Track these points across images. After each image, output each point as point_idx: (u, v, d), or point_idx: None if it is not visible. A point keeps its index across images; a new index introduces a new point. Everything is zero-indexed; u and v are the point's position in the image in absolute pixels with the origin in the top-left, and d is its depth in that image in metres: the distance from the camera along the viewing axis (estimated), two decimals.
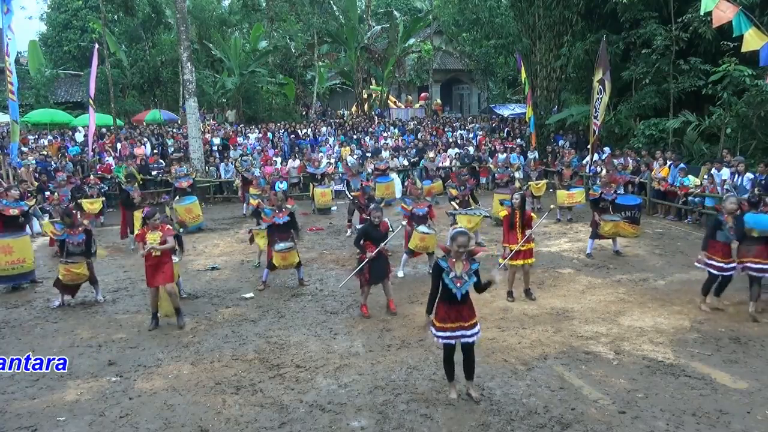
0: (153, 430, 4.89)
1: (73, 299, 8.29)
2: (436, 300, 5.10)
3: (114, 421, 5.05)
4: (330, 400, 5.29)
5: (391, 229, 7.88)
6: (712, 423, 4.75)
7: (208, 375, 5.88)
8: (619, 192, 10.69)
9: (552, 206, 11.67)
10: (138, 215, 11.63)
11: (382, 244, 7.34)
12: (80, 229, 8.18)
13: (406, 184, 16.44)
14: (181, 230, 8.63)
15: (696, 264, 7.49)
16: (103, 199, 15.04)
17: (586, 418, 4.86)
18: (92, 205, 14.25)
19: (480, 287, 5.12)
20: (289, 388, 5.54)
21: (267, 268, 8.79)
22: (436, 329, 5.10)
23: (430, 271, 9.27)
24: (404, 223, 9.29)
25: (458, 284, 4.97)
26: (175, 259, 8.08)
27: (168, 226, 7.33)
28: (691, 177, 13.03)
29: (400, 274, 9.21)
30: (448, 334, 5.05)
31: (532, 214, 8.02)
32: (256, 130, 23.65)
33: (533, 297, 7.89)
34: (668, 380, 5.50)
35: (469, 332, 5.06)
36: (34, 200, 12.09)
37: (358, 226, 10.32)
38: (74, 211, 8.59)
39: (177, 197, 14.00)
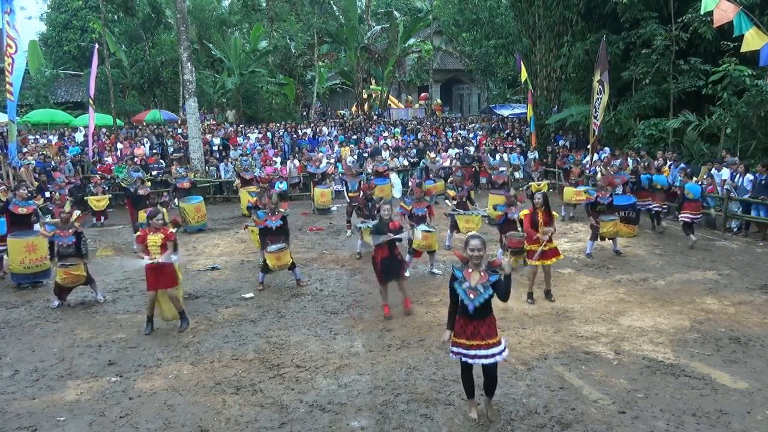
0: (153, 430, 4.89)
1: (63, 303, 8.24)
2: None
3: (114, 421, 5.05)
4: (330, 400, 5.28)
5: (406, 228, 7.86)
6: (712, 423, 4.75)
7: (208, 375, 5.88)
8: (616, 193, 10.71)
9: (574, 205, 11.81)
10: (143, 214, 11.74)
11: (384, 238, 7.25)
12: (71, 231, 8.16)
13: (410, 183, 16.46)
14: (175, 230, 8.61)
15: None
16: (110, 196, 15.16)
17: (586, 418, 4.86)
18: (99, 202, 14.45)
19: (502, 292, 4.55)
20: (289, 388, 5.53)
21: (261, 272, 8.81)
22: (452, 344, 4.71)
23: (432, 271, 9.40)
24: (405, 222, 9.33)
25: (472, 296, 4.52)
26: (173, 258, 8.06)
27: (170, 229, 7.30)
28: None
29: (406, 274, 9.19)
30: (461, 350, 4.62)
31: (554, 213, 8.03)
32: (256, 130, 23.64)
33: (552, 299, 7.88)
34: (668, 380, 5.50)
35: (485, 352, 4.55)
36: (42, 199, 12.15)
37: (359, 225, 10.32)
38: (70, 210, 8.58)
39: (178, 197, 14.04)
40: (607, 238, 10.16)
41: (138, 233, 7.17)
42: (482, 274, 4.59)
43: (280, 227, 8.70)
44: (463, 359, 4.66)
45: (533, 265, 7.74)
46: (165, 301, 7.10)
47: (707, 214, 11.91)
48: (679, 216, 11.00)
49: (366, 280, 9.04)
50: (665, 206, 12.06)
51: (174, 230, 8.52)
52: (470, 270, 4.61)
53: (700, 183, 12.32)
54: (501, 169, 15.83)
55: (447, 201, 11.12)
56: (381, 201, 10.84)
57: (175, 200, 14.33)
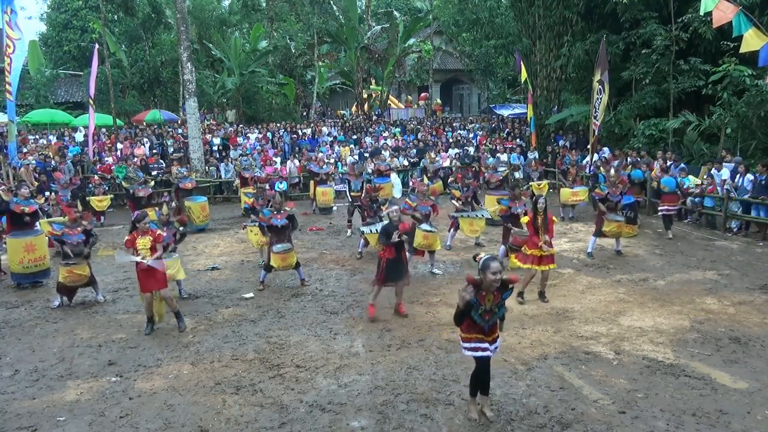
0: (153, 430, 4.89)
1: (71, 303, 8.27)
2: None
3: (114, 421, 5.05)
4: (330, 400, 5.28)
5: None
6: (712, 423, 4.75)
7: (208, 375, 5.88)
8: (624, 192, 10.71)
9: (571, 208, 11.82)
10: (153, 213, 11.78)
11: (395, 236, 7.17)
12: (79, 229, 8.18)
13: (411, 183, 16.47)
14: (181, 228, 8.64)
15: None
16: (111, 196, 15.20)
17: (586, 418, 4.86)
18: (101, 202, 14.52)
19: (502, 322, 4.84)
20: (289, 388, 5.53)
21: (264, 270, 8.80)
22: (463, 340, 4.77)
23: (432, 271, 9.39)
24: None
25: (486, 318, 4.61)
26: (174, 255, 8.09)
27: (158, 231, 7.29)
28: (691, 177, 13.05)
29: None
30: (476, 345, 4.70)
31: (554, 218, 8.02)
32: (256, 130, 23.64)
33: (546, 300, 7.87)
34: (668, 380, 5.50)
35: (492, 346, 4.77)
36: (44, 199, 12.17)
37: (362, 228, 10.30)
38: (77, 210, 8.62)
39: (181, 197, 14.04)
40: (609, 237, 10.15)
41: (126, 237, 7.17)
42: (495, 293, 4.59)
43: (285, 226, 8.68)
44: (479, 354, 4.71)
45: (532, 269, 7.72)
46: (158, 301, 7.09)
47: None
48: (659, 209, 11.95)
49: (366, 280, 9.04)
50: (641, 199, 12.99)
51: (181, 228, 8.54)
52: (484, 293, 4.56)
53: (700, 182, 12.50)
54: (500, 169, 15.80)
55: (454, 201, 11.10)
56: (388, 203, 10.80)
57: (174, 201, 14.32)
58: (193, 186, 14.69)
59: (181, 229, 8.63)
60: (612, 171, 11.89)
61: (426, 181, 12.22)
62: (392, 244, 7.21)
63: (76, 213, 8.39)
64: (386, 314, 7.45)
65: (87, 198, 14.80)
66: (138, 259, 6.82)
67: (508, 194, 9.77)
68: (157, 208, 9.82)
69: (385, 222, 7.87)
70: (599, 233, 10.03)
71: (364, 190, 11.77)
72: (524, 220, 8.07)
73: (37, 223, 10.21)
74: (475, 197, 11.10)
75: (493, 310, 4.60)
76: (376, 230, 9.05)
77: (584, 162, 16.60)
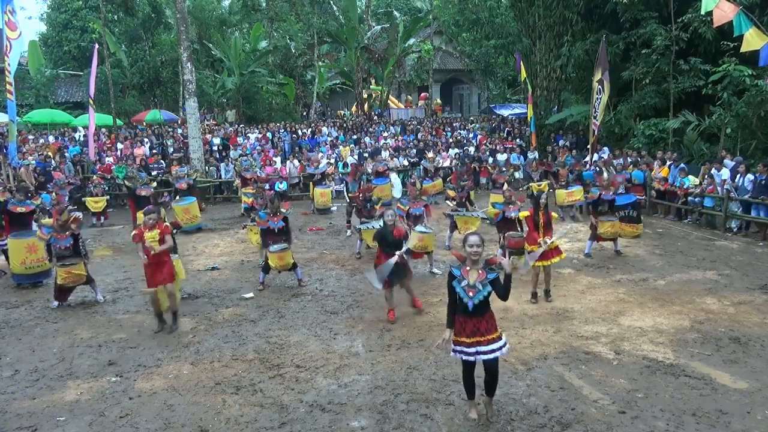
0: (153, 430, 4.89)
1: (64, 303, 8.24)
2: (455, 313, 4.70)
3: (114, 421, 5.05)
4: (330, 400, 5.28)
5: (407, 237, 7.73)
6: (712, 423, 4.75)
7: (208, 375, 5.88)
8: (619, 192, 10.67)
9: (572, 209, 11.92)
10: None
11: (398, 254, 7.03)
12: (67, 233, 8.17)
13: (407, 184, 16.48)
14: (175, 231, 8.65)
15: None
16: (107, 197, 15.16)
17: (586, 418, 4.86)
18: (97, 203, 14.45)
19: (502, 291, 4.58)
20: (289, 388, 5.53)
21: (263, 272, 8.81)
22: (453, 343, 4.70)
23: (431, 271, 9.40)
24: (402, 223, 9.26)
25: (470, 294, 4.54)
26: (175, 255, 8.09)
27: (165, 224, 7.34)
28: (691, 177, 13.05)
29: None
30: (462, 348, 4.61)
31: (554, 214, 8.03)
32: (256, 130, 23.65)
33: (550, 299, 7.87)
34: (668, 380, 5.50)
35: (486, 348, 4.56)
36: (40, 199, 12.15)
37: (358, 226, 10.33)
38: (71, 213, 8.59)
39: (176, 197, 14.04)
40: (606, 239, 10.13)
41: (134, 231, 7.20)
42: (480, 272, 4.62)
43: (281, 228, 8.70)
44: (465, 357, 4.64)
45: (534, 266, 7.72)
46: (163, 295, 7.11)
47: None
48: None
49: (366, 279, 9.03)
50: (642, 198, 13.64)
51: (175, 231, 8.54)
52: (468, 268, 4.66)
53: (700, 182, 12.56)
54: (501, 170, 15.81)
55: (447, 201, 11.14)
56: (381, 203, 10.80)
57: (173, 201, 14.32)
58: (189, 186, 14.61)
59: (174, 231, 8.64)
60: (605, 174, 11.84)
61: (419, 185, 12.18)
62: (387, 252, 7.17)
63: (59, 221, 8.30)
64: (385, 314, 7.45)
65: (83, 198, 14.77)
66: (147, 254, 6.83)
67: (504, 197, 9.76)
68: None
69: (381, 223, 7.86)
70: (595, 236, 10.03)
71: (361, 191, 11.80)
72: (524, 214, 8.07)
73: (34, 223, 10.19)
74: (469, 198, 11.10)
75: (477, 287, 4.55)
76: (373, 227, 9.05)
77: (584, 161, 16.58)
